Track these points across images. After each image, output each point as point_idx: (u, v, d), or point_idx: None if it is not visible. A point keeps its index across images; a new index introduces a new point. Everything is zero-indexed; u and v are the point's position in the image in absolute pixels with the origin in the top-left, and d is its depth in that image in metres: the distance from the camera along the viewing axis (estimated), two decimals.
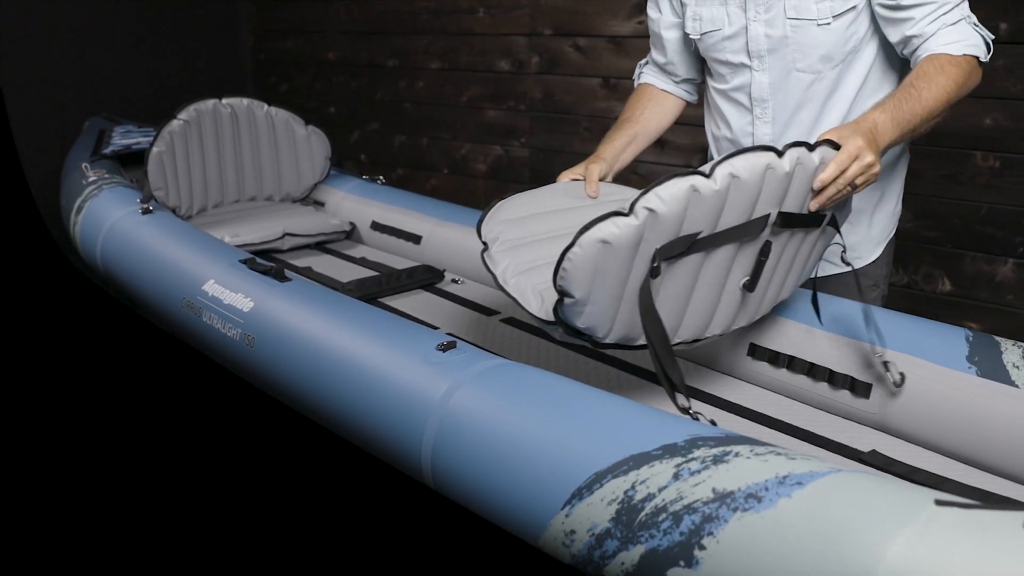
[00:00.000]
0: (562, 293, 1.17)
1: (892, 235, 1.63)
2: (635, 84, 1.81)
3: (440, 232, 2.26)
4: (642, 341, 1.25)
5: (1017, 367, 1.25)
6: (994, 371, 1.26)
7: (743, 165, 1.15)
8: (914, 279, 2.37)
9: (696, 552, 0.86)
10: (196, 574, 1.66)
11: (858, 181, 1.26)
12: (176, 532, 1.76)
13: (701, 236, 1.18)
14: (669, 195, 1.12)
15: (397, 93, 3.68)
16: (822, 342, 1.43)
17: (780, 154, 1.18)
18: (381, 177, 2.70)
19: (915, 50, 1.39)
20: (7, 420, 2.23)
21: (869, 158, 1.24)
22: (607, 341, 1.24)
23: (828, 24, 1.42)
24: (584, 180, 1.57)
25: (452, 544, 1.63)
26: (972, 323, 2.28)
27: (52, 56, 3.53)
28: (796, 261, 1.38)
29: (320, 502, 1.83)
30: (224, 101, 2.48)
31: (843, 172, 1.24)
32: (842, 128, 1.28)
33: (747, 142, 1.58)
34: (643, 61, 1.81)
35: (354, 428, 1.34)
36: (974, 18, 1.38)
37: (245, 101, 2.54)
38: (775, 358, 1.48)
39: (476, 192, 3.45)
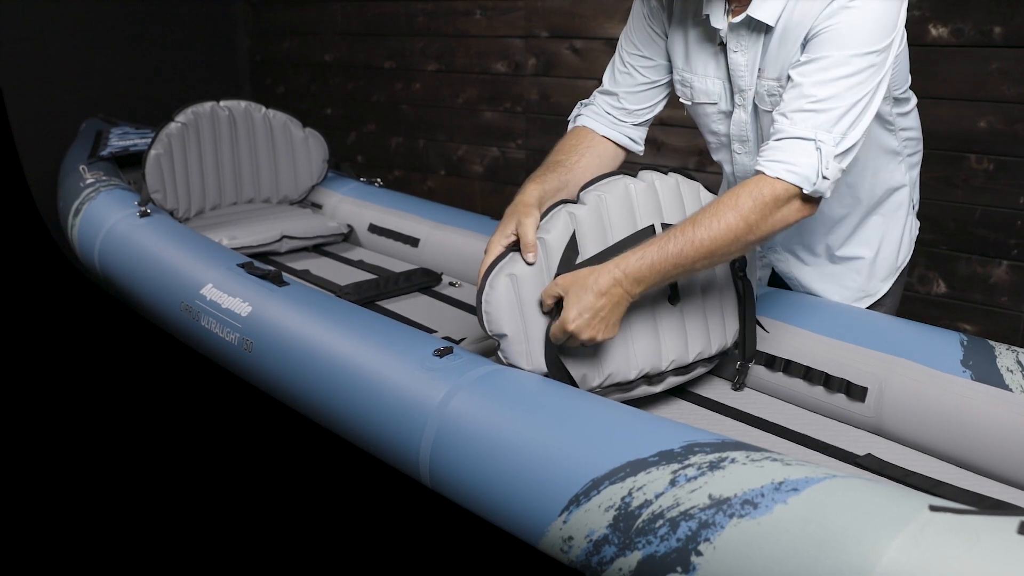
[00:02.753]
0: (496, 336, 1.23)
1: (903, 266, 1.57)
2: (570, 125, 1.57)
3: (437, 235, 2.27)
4: (599, 381, 1.30)
5: (1011, 371, 1.26)
6: (988, 375, 1.27)
7: (606, 187, 1.31)
8: (909, 281, 2.38)
9: (693, 558, 0.87)
10: (195, 572, 1.66)
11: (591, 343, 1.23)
12: (176, 532, 1.76)
13: (593, 253, 1.27)
14: (551, 224, 1.27)
15: (394, 95, 3.69)
16: (818, 346, 1.44)
17: (635, 176, 1.34)
18: (378, 180, 2.70)
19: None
20: (7, 420, 2.23)
21: (586, 334, 1.19)
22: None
23: None
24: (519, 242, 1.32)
25: (452, 547, 1.63)
26: (966, 325, 2.30)
27: (48, 57, 3.53)
28: (718, 279, 1.44)
29: (319, 504, 1.84)
30: (222, 104, 2.49)
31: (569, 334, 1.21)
32: (571, 288, 1.21)
33: None
34: (584, 101, 1.58)
35: (352, 433, 1.35)
36: (842, 146, 1.19)
37: (243, 103, 2.55)
38: (771, 362, 1.49)
39: (472, 194, 3.46)
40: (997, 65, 2.13)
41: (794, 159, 1.19)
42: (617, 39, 1.55)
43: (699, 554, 0.87)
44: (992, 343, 1.33)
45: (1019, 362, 1.27)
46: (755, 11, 1.29)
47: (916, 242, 2.34)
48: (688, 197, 1.39)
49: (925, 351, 1.34)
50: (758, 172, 1.22)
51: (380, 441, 1.28)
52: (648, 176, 1.35)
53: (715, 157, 1.56)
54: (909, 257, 1.58)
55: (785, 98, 1.23)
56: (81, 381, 2.44)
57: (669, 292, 1.36)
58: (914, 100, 1.47)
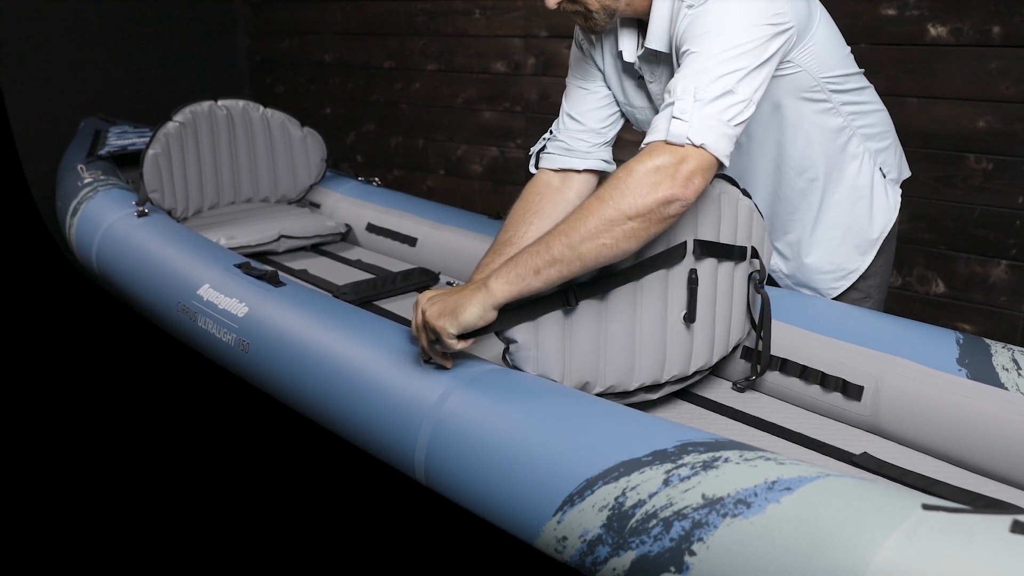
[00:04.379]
0: (506, 340, 1.21)
1: (883, 238, 1.55)
2: (534, 166, 1.58)
3: (435, 235, 2.27)
4: (599, 390, 1.30)
5: (1006, 370, 1.26)
6: (984, 374, 1.27)
7: None
8: (908, 280, 2.38)
9: (686, 558, 0.87)
10: (193, 572, 1.66)
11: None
12: (173, 530, 1.77)
13: (623, 267, 1.23)
14: None
15: (393, 94, 3.69)
16: (814, 345, 1.43)
17: None
18: (377, 179, 2.70)
19: None
20: (7, 420, 2.23)
21: (443, 331, 1.15)
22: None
23: None
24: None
25: (447, 545, 1.63)
26: (965, 324, 2.29)
27: (48, 57, 3.53)
28: (735, 295, 1.42)
29: (315, 502, 1.84)
30: (220, 103, 2.49)
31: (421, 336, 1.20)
32: (439, 293, 1.21)
33: None
34: (547, 136, 1.58)
35: (349, 432, 1.35)
36: (706, 96, 1.14)
37: (241, 103, 2.55)
38: (767, 361, 1.48)
39: (472, 194, 3.46)
40: (996, 65, 2.12)
41: (654, 124, 1.17)
42: None
43: (692, 554, 0.87)
44: (988, 341, 1.33)
45: (1015, 360, 1.27)
46: (650, 42, 1.35)
47: (914, 242, 2.34)
48: (727, 208, 1.35)
49: (921, 350, 1.34)
50: None
51: (376, 440, 1.28)
52: None
53: None
54: (889, 229, 1.55)
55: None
56: (79, 380, 2.44)
57: (686, 311, 1.34)
58: (860, 81, 1.47)
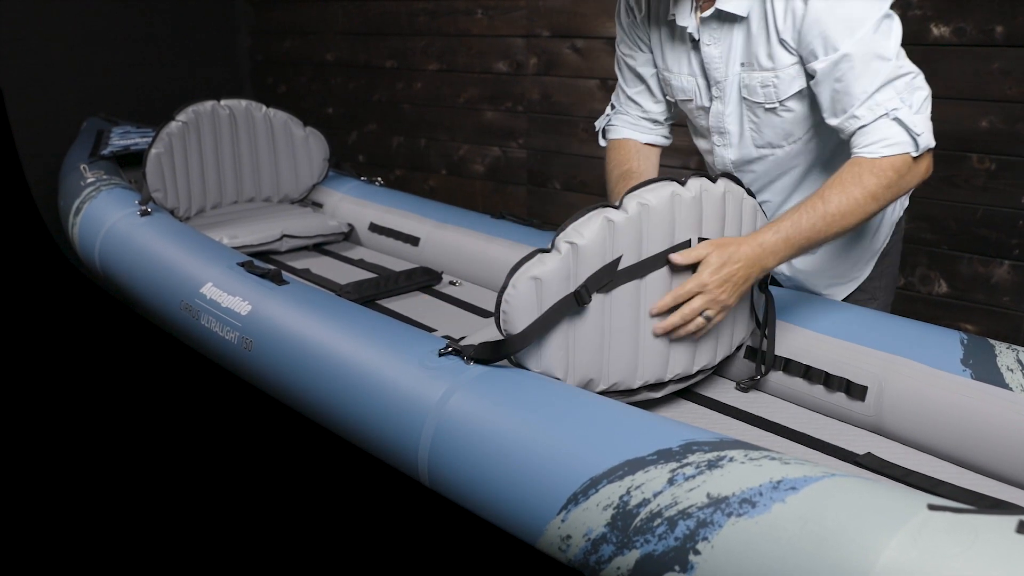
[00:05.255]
0: (510, 337, 1.20)
1: (882, 249, 1.57)
2: (603, 138, 1.69)
3: (438, 234, 2.27)
4: (603, 387, 1.30)
5: (1011, 370, 1.26)
6: (988, 374, 1.27)
7: (651, 195, 1.25)
8: (910, 281, 2.38)
9: (691, 557, 0.87)
10: (195, 572, 1.66)
11: (708, 314, 1.28)
12: (175, 531, 1.76)
13: (626, 265, 1.24)
14: (586, 228, 1.20)
15: (395, 94, 3.69)
16: (818, 345, 1.43)
17: (683, 184, 1.28)
18: (379, 179, 2.70)
19: (848, 140, 1.33)
20: (7, 420, 2.23)
21: (714, 294, 1.26)
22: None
23: (775, 108, 1.40)
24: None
25: (451, 546, 1.63)
26: (968, 325, 2.29)
27: (50, 56, 3.53)
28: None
29: (318, 502, 1.84)
30: (222, 102, 2.49)
31: (686, 302, 1.27)
32: (715, 249, 1.26)
33: None
34: (609, 110, 1.68)
35: (352, 432, 1.35)
36: (915, 103, 1.29)
37: (243, 102, 2.55)
38: (772, 361, 1.48)
39: (474, 193, 3.46)
40: (999, 64, 2.12)
41: (884, 135, 1.27)
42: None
43: (697, 553, 0.87)
44: (992, 342, 1.33)
45: (1019, 361, 1.26)
46: (723, 3, 1.36)
47: (917, 242, 2.33)
48: (731, 206, 1.35)
49: (925, 350, 1.34)
50: (856, 157, 1.29)
51: (379, 440, 1.28)
52: (696, 185, 1.29)
53: (697, 146, 1.63)
54: (889, 239, 1.57)
55: (835, 99, 1.30)
56: (81, 380, 2.44)
57: None
58: None
